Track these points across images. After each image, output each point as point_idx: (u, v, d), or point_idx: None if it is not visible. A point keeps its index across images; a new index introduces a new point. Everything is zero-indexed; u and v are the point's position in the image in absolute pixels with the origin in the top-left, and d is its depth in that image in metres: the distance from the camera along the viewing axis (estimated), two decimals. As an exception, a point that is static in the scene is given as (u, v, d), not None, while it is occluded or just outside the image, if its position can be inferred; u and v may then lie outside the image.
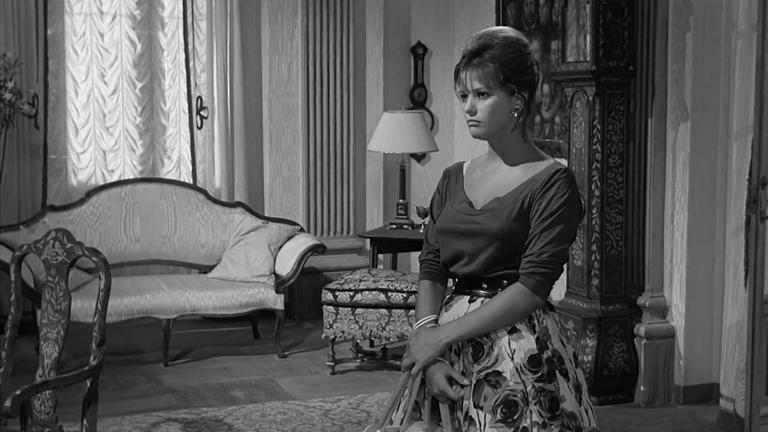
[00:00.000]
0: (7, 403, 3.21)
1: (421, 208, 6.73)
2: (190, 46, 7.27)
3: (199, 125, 7.33)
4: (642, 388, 5.44)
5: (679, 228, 5.39)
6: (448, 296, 2.85)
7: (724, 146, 5.28)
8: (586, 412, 2.72)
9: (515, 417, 2.59)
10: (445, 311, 2.81)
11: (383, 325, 5.89)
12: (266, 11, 7.30)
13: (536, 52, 2.78)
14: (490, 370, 2.64)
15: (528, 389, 2.61)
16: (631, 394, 5.46)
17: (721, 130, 5.31)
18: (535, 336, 2.67)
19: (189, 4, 7.24)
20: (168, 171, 7.40)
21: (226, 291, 6.36)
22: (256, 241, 6.67)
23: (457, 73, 2.74)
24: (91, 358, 3.52)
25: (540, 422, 2.60)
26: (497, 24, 6.40)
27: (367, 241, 7.06)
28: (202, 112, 7.32)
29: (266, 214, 7.22)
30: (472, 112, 2.70)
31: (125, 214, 6.72)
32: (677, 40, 5.29)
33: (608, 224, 5.39)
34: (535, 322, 2.70)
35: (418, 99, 7.75)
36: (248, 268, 6.53)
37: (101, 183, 7.05)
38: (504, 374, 2.63)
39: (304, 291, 7.28)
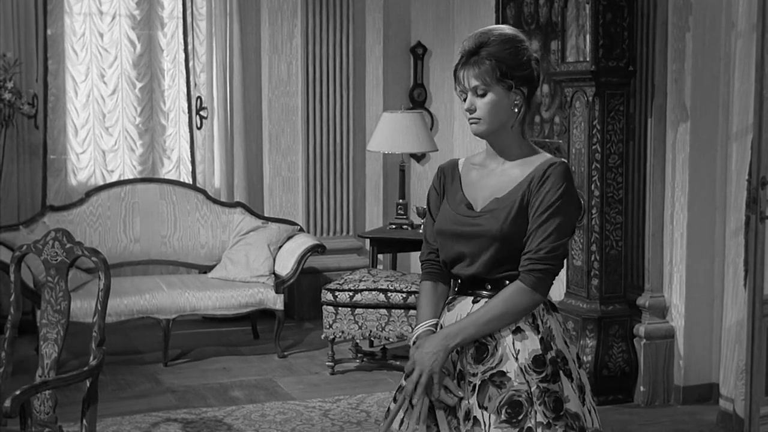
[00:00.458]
0: (7, 403, 3.21)
1: (420, 208, 6.73)
2: (189, 47, 7.27)
3: (199, 125, 7.33)
4: (642, 389, 5.44)
5: (678, 228, 5.39)
6: (450, 297, 2.84)
7: (724, 146, 5.28)
8: (590, 412, 2.72)
9: (520, 417, 2.59)
10: (448, 311, 2.80)
11: (383, 325, 5.89)
12: (266, 11, 7.30)
13: (536, 51, 2.78)
14: (494, 371, 2.64)
15: (532, 389, 2.61)
16: (630, 394, 5.46)
17: (721, 130, 5.31)
18: (539, 336, 2.67)
19: (189, 4, 7.24)
20: (168, 171, 7.40)
21: (226, 291, 6.36)
22: (255, 241, 6.67)
23: (455, 72, 2.75)
24: (91, 358, 3.52)
25: (544, 422, 2.59)
26: (497, 23, 6.39)
27: (367, 241, 7.06)
28: (201, 112, 7.32)
29: (266, 214, 7.22)
30: (472, 110, 2.70)
31: (125, 214, 6.72)
32: (677, 40, 5.29)
33: (608, 224, 5.40)
34: (539, 322, 2.69)
35: (417, 99, 7.75)
36: (248, 269, 6.53)
37: (101, 183, 7.05)
38: (508, 374, 2.63)
39: (304, 291, 7.28)
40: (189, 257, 6.83)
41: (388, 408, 2.87)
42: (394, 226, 6.86)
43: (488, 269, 2.71)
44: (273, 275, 6.52)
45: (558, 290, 5.67)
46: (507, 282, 2.70)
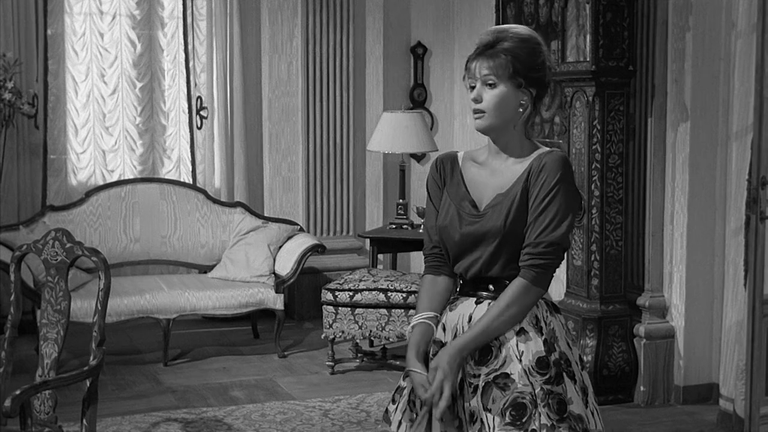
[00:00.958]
0: (7, 402, 3.21)
1: (420, 208, 6.73)
2: (189, 46, 7.27)
3: (199, 125, 7.33)
4: (642, 388, 5.44)
5: (678, 228, 5.39)
6: (453, 297, 2.83)
7: (724, 146, 5.28)
8: (593, 414, 2.71)
9: (524, 419, 2.58)
10: (450, 311, 2.78)
11: (383, 325, 5.89)
12: (266, 11, 7.30)
13: (550, 58, 2.77)
14: (498, 373, 2.63)
15: (536, 391, 2.60)
16: (630, 394, 5.46)
17: (721, 130, 5.31)
18: (543, 338, 2.66)
19: (189, 4, 7.24)
20: (168, 171, 7.40)
21: (226, 291, 6.36)
22: (255, 241, 6.67)
23: (467, 63, 2.72)
24: (91, 358, 3.52)
25: (549, 424, 2.58)
26: (497, 23, 6.39)
27: (367, 241, 7.06)
28: (201, 112, 7.32)
29: (266, 214, 7.22)
30: (478, 100, 2.68)
31: (125, 214, 6.72)
32: (677, 40, 5.29)
33: (608, 224, 5.39)
34: (543, 324, 2.69)
35: (417, 99, 7.75)
36: (248, 268, 6.53)
37: (101, 183, 7.05)
38: (512, 376, 2.62)
39: (304, 291, 7.28)
40: (189, 257, 6.83)
41: (386, 409, 2.87)
42: (394, 226, 6.86)
43: (490, 267, 2.70)
44: (273, 275, 6.52)
45: (558, 290, 5.67)
46: (507, 282, 2.69)
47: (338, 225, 7.47)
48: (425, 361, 2.73)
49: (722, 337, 5.20)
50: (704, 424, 5.14)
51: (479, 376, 2.65)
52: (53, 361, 3.56)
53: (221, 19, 7.21)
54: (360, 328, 5.92)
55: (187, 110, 7.34)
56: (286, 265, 6.51)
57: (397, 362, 6.17)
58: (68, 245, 3.57)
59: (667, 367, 5.46)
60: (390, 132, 6.68)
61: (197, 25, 7.29)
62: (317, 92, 7.33)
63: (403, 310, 5.86)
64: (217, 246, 6.83)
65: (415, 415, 2.74)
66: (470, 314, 2.72)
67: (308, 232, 7.19)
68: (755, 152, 4.61)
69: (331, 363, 6.05)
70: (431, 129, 7.63)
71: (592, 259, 5.40)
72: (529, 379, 2.61)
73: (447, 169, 2.83)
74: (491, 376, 2.63)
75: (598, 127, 5.34)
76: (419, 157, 7.74)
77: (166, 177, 7.24)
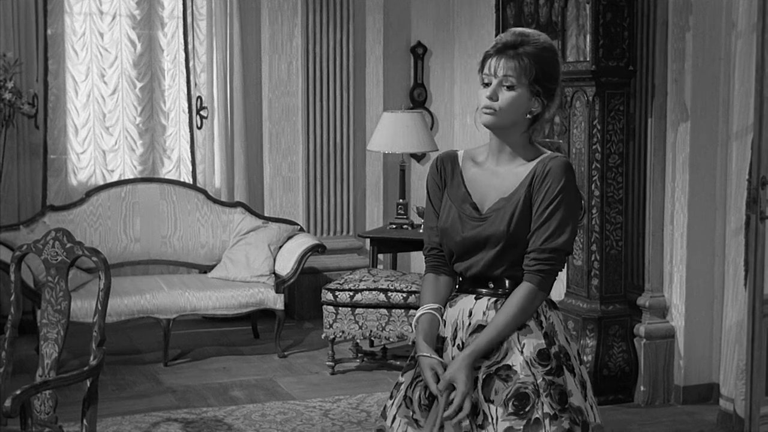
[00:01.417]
0: (7, 402, 3.21)
1: (420, 207, 6.73)
2: (189, 46, 7.27)
3: (199, 125, 7.33)
4: (642, 388, 5.44)
5: (678, 228, 5.39)
6: (453, 294, 2.85)
7: (724, 146, 5.28)
8: (591, 408, 2.75)
9: (527, 409, 2.62)
10: (450, 307, 2.81)
11: (383, 325, 5.89)
12: (266, 11, 7.30)
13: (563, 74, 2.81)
14: (500, 365, 2.66)
15: (538, 381, 2.64)
16: (631, 394, 5.47)
17: (721, 130, 5.31)
18: (543, 331, 2.70)
19: (189, 4, 7.24)
20: (168, 171, 7.40)
21: (226, 291, 6.36)
22: (255, 241, 6.67)
23: (485, 58, 2.72)
24: (91, 358, 3.52)
25: (551, 414, 2.62)
26: (497, 24, 6.39)
27: (367, 241, 7.06)
28: (201, 112, 7.32)
29: (266, 214, 7.22)
30: (493, 98, 2.68)
31: (125, 214, 6.72)
32: (677, 40, 5.29)
33: (608, 224, 5.40)
34: (542, 318, 2.72)
35: (418, 99, 7.76)
36: (248, 268, 6.53)
37: (101, 183, 7.05)
38: (514, 368, 2.65)
39: (304, 291, 7.28)
40: (189, 257, 6.83)
41: (385, 405, 2.87)
42: (394, 226, 6.86)
43: (491, 268, 2.73)
44: (273, 275, 6.52)
45: (558, 290, 5.66)
46: (507, 280, 2.72)
47: (338, 225, 7.47)
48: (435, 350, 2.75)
49: (722, 337, 5.20)
50: (704, 424, 5.14)
51: (480, 368, 2.67)
52: (53, 361, 3.57)
53: (221, 19, 7.21)
54: (360, 328, 5.92)
55: (187, 110, 7.34)
56: (286, 265, 6.51)
57: (398, 362, 6.17)
58: (68, 245, 3.57)
59: (667, 367, 5.46)
60: (390, 132, 6.68)
61: (197, 24, 7.29)
62: (317, 92, 7.33)
63: (403, 310, 5.86)
64: (217, 246, 6.83)
65: (411, 413, 2.75)
66: (470, 309, 2.75)
67: (308, 232, 7.19)
68: (755, 152, 4.61)
69: (331, 363, 6.05)
70: (431, 129, 7.63)
71: (593, 259, 5.40)
72: (531, 370, 2.64)
73: (447, 170, 2.84)
74: (493, 368, 2.66)
75: (598, 127, 5.34)
76: (419, 157, 7.74)
77: (167, 177, 7.24)
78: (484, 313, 2.73)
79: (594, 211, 5.38)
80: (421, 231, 6.61)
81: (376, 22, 7.52)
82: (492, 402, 2.64)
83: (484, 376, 2.66)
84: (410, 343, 5.94)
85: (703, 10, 5.24)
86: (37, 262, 5.42)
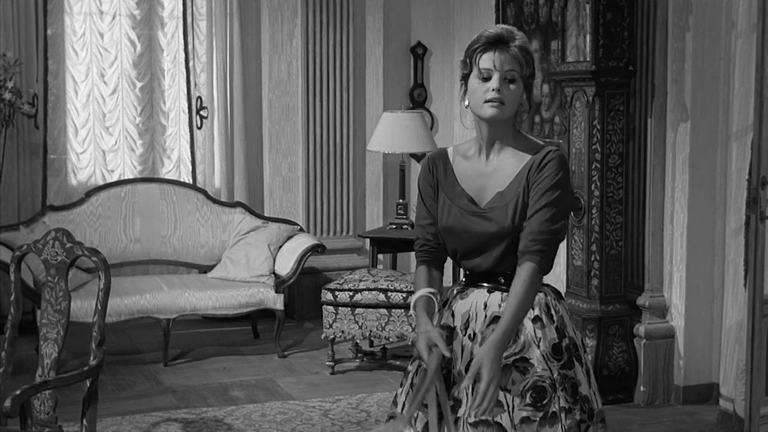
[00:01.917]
0: (7, 402, 3.21)
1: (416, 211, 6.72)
2: (189, 46, 7.27)
3: (199, 125, 7.33)
4: (642, 388, 5.44)
5: (678, 228, 5.39)
6: (460, 287, 2.91)
7: (724, 146, 5.28)
8: (594, 394, 2.85)
9: (545, 402, 2.71)
10: (461, 299, 2.87)
11: (383, 325, 5.89)
12: (266, 11, 7.30)
13: None
14: (517, 356, 2.74)
15: (555, 376, 2.73)
16: (630, 394, 5.46)
17: (721, 130, 5.31)
18: (555, 325, 2.79)
19: (189, 4, 7.24)
20: (168, 171, 7.40)
21: (226, 291, 6.36)
22: (255, 241, 6.67)
23: (475, 52, 2.77)
24: (91, 358, 3.52)
25: (566, 407, 2.72)
26: (496, 23, 6.40)
27: (367, 241, 7.06)
28: (201, 112, 7.32)
29: (266, 214, 7.22)
30: (501, 91, 2.74)
31: (125, 214, 6.72)
32: (677, 40, 5.29)
33: (608, 224, 5.39)
34: (553, 312, 2.81)
35: (417, 99, 7.76)
36: (248, 268, 6.53)
37: (101, 183, 7.05)
38: (531, 361, 2.73)
39: (304, 291, 7.28)
40: (189, 257, 6.83)
41: (396, 393, 2.90)
42: (394, 226, 6.86)
43: (500, 263, 2.80)
44: (273, 275, 6.52)
45: (549, 284, 5.66)
46: (511, 274, 2.78)
47: (338, 225, 7.47)
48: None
49: (722, 337, 5.20)
50: (704, 424, 5.14)
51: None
52: (53, 361, 3.57)
53: (221, 19, 7.21)
54: (360, 328, 5.92)
55: (187, 110, 7.34)
56: (286, 265, 6.51)
57: (397, 362, 6.17)
58: (68, 245, 3.57)
59: (667, 367, 5.46)
60: (390, 132, 6.68)
61: (197, 24, 7.29)
62: (317, 92, 7.33)
63: (403, 310, 5.86)
64: (217, 246, 6.84)
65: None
66: (484, 302, 2.82)
67: (308, 232, 7.19)
68: (755, 152, 4.61)
69: (331, 363, 6.05)
70: (431, 129, 7.63)
71: (592, 259, 5.40)
72: (547, 364, 2.73)
73: (440, 168, 2.91)
74: (510, 359, 2.73)
75: (598, 127, 5.34)
76: (419, 157, 7.74)
77: (166, 177, 7.24)
78: (499, 306, 2.80)
79: (594, 211, 5.38)
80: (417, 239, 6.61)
81: (376, 22, 7.52)
82: (509, 391, 2.71)
83: (501, 366, 2.71)
84: (410, 343, 5.93)
85: (703, 10, 5.24)
86: (37, 262, 5.42)
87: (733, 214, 5.08)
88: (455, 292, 2.91)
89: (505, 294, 2.79)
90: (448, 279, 5.38)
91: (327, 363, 6.07)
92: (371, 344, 6.55)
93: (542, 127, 6.40)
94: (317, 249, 6.55)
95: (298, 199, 7.40)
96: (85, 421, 3.51)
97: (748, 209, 4.72)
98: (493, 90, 2.73)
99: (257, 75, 7.41)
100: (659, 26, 5.36)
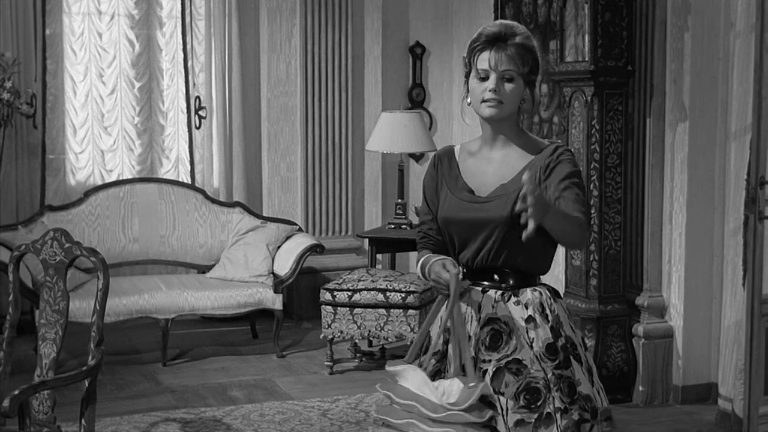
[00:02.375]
0: (6, 402, 3.21)
1: (419, 207, 6.72)
2: (188, 46, 7.27)
3: (198, 125, 7.33)
4: (640, 388, 5.44)
5: (677, 228, 5.39)
6: None
7: (723, 146, 5.28)
8: (599, 393, 2.84)
9: (539, 403, 2.69)
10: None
11: (381, 324, 5.89)
12: (265, 11, 7.30)
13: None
14: (510, 358, 2.72)
15: (548, 376, 2.70)
16: (629, 393, 5.46)
17: (720, 130, 5.31)
18: (549, 325, 2.76)
19: (187, 4, 7.23)
20: (166, 171, 7.40)
21: (225, 291, 6.36)
22: (254, 241, 6.67)
23: (475, 51, 2.78)
24: (90, 358, 3.52)
25: (562, 408, 2.69)
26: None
27: (366, 240, 7.05)
28: (200, 112, 7.31)
29: (264, 214, 7.22)
30: (497, 90, 2.75)
31: (123, 214, 6.72)
32: (676, 40, 5.29)
33: (607, 224, 5.39)
34: (548, 312, 2.79)
35: (416, 99, 7.75)
36: (247, 268, 6.53)
37: (99, 183, 7.04)
38: (524, 362, 2.71)
39: (303, 291, 7.27)
40: (188, 257, 6.83)
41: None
42: (392, 226, 6.86)
43: (497, 256, 2.78)
44: (272, 275, 6.52)
45: (547, 284, 5.66)
46: (510, 271, 2.78)
47: (337, 225, 7.47)
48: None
49: (721, 337, 5.20)
50: (703, 424, 5.15)
51: (490, 361, 2.73)
52: (52, 361, 3.56)
53: (220, 19, 7.21)
54: (359, 327, 5.92)
55: (185, 110, 7.33)
56: (284, 265, 6.51)
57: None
58: (67, 245, 3.56)
59: (665, 367, 5.46)
60: (388, 132, 6.68)
61: (196, 24, 7.28)
62: (316, 92, 7.33)
63: (401, 310, 5.86)
64: (215, 246, 6.83)
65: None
66: (479, 303, 2.80)
67: (307, 232, 7.19)
68: (754, 152, 4.61)
69: (329, 363, 6.05)
70: (430, 129, 7.63)
71: (591, 259, 5.40)
72: (540, 365, 2.71)
73: (444, 164, 2.94)
74: (503, 362, 2.72)
75: (597, 127, 5.34)
76: (418, 157, 7.74)
77: (165, 177, 7.24)
78: (493, 306, 2.78)
79: (593, 210, 5.38)
80: (419, 231, 6.61)
81: (374, 22, 7.52)
82: (502, 394, 2.69)
83: (494, 369, 2.71)
84: (408, 343, 5.94)
85: (702, 10, 5.24)
86: (35, 262, 5.41)
87: (731, 213, 5.08)
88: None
89: (498, 293, 2.79)
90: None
91: (326, 363, 6.07)
92: (370, 344, 6.55)
93: (541, 127, 6.40)
94: (316, 249, 6.55)
95: (297, 199, 7.40)
96: (83, 421, 3.51)
97: (746, 209, 4.72)
98: (490, 90, 2.75)
99: (256, 75, 7.41)
100: (658, 26, 5.36)
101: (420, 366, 2.83)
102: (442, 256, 2.82)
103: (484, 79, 2.75)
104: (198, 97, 7.31)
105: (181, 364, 6.24)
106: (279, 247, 6.69)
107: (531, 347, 2.72)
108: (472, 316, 2.80)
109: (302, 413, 5.29)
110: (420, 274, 2.90)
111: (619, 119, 5.37)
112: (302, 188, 7.36)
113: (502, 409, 2.69)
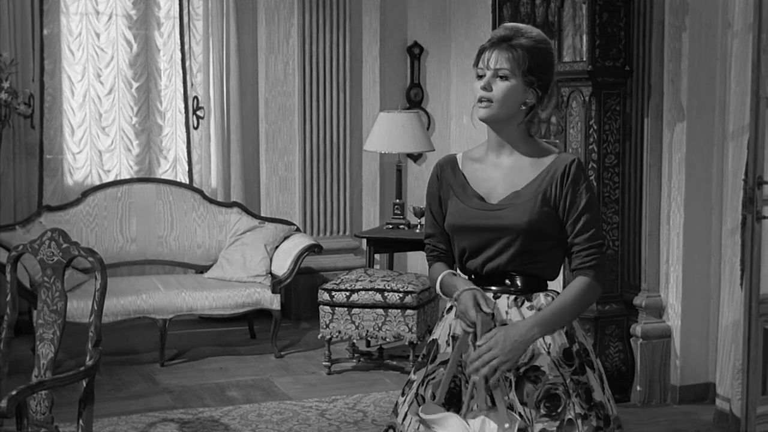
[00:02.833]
0: (3, 403, 3.21)
1: (417, 208, 6.73)
2: (186, 46, 7.27)
3: (196, 125, 7.33)
4: (638, 388, 5.44)
5: (675, 228, 5.40)
6: None
7: (720, 146, 5.29)
8: (609, 400, 2.78)
9: (559, 410, 2.65)
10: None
11: (379, 325, 5.89)
12: (262, 11, 7.30)
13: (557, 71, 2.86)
14: (527, 366, 2.68)
15: (567, 382, 2.67)
16: (627, 393, 5.47)
17: (717, 130, 5.31)
18: (564, 330, 2.73)
19: (185, 4, 7.23)
20: (164, 171, 7.39)
21: (223, 291, 6.35)
22: (252, 241, 6.66)
23: (480, 52, 2.74)
24: (87, 358, 3.51)
25: (582, 414, 2.65)
26: (493, 23, 6.40)
27: (364, 241, 7.05)
28: (198, 112, 7.31)
29: (262, 214, 7.22)
30: (487, 88, 2.70)
31: (121, 214, 6.72)
32: (673, 40, 5.30)
33: (604, 224, 5.39)
34: None
35: (414, 99, 7.75)
36: (244, 268, 6.53)
37: (97, 183, 7.04)
38: (542, 369, 2.67)
39: (301, 291, 7.27)
40: (186, 257, 6.83)
41: (396, 402, 2.87)
42: (390, 226, 6.86)
43: (510, 264, 2.73)
44: (270, 275, 6.52)
45: (556, 289, 5.66)
46: (520, 277, 2.74)
47: (335, 225, 7.47)
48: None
49: (719, 337, 5.21)
50: (701, 424, 5.15)
51: (512, 370, 2.68)
52: (49, 362, 3.56)
53: (218, 19, 7.21)
54: (357, 328, 5.92)
55: (183, 110, 7.33)
56: (282, 265, 6.51)
57: (394, 362, 6.17)
58: (64, 245, 3.56)
59: (663, 367, 5.46)
60: (386, 132, 6.68)
61: (194, 24, 7.28)
62: (314, 92, 7.33)
63: (399, 310, 5.86)
64: (213, 246, 6.83)
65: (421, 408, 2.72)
66: (493, 307, 2.74)
67: (305, 232, 7.19)
68: (751, 152, 4.62)
69: (327, 363, 6.05)
70: (428, 129, 7.63)
71: (589, 258, 5.39)
72: (559, 371, 2.67)
73: (448, 173, 2.86)
74: (522, 370, 2.68)
75: (595, 127, 5.34)
76: (416, 157, 7.74)
77: (163, 177, 7.24)
78: (506, 312, 2.73)
79: (590, 211, 5.38)
80: (416, 231, 6.62)
81: (372, 22, 7.52)
82: (526, 404, 2.65)
83: (515, 380, 2.67)
84: (406, 343, 5.94)
85: (699, 10, 5.24)
86: (33, 263, 5.42)
87: (729, 213, 5.09)
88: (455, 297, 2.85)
89: (511, 299, 2.73)
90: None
91: (324, 363, 6.07)
92: (368, 344, 6.55)
93: (539, 127, 6.40)
94: (314, 249, 6.55)
95: (295, 199, 7.40)
96: (81, 422, 3.50)
97: (744, 209, 4.72)
98: (482, 88, 2.70)
99: (254, 75, 7.41)
100: (655, 26, 5.36)
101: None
102: (471, 285, 2.73)
103: (481, 77, 2.71)
104: (196, 97, 7.31)
105: (179, 364, 6.24)
106: (277, 247, 6.69)
107: (548, 353, 2.68)
108: None
109: (300, 413, 5.29)
110: (440, 292, 2.84)
111: (617, 119, 5.37)
112: (300, 188, 7.36)
113: (528, 419, 2.64)
